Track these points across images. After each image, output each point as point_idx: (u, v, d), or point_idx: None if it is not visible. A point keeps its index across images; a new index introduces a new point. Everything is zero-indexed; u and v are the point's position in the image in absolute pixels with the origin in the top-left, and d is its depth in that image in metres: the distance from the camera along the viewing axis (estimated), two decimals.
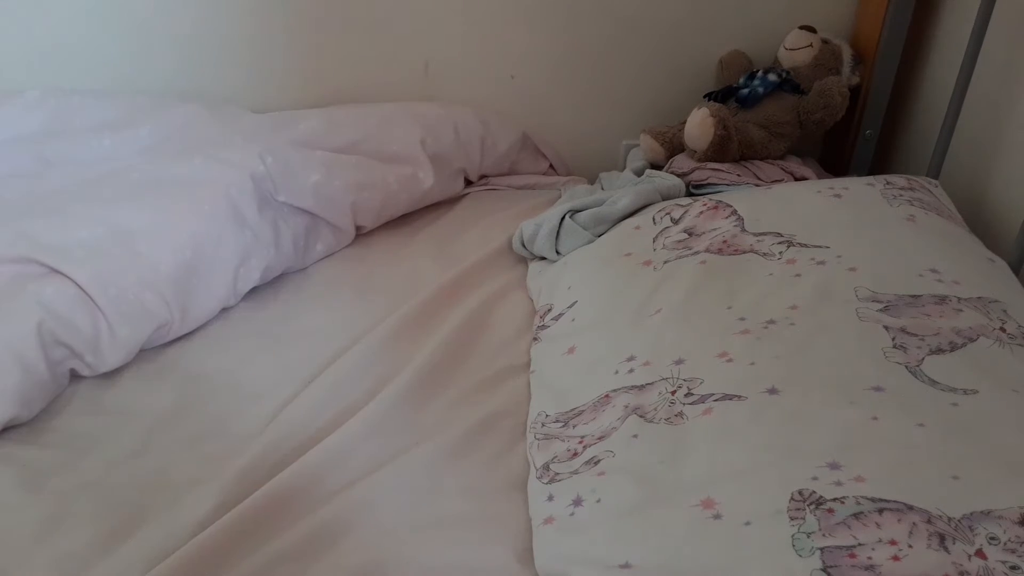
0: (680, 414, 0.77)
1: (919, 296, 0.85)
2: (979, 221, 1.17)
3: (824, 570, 0.58)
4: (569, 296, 1.05)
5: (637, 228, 1.11)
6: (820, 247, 0.95)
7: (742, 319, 0.87)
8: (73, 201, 1.11)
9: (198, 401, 0.97)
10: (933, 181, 1.13)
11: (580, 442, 0.82)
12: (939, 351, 0.77)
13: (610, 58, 1.43)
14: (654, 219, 1.11)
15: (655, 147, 1.33)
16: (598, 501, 0.73)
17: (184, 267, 1.06)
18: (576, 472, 0.78)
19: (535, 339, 1.03)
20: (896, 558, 0.58)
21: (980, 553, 0.58)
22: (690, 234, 1.05)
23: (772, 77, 1.30)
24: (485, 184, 1.44)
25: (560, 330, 1.00)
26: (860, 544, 0.60)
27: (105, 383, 1.01)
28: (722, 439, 0.73)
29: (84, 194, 1.13)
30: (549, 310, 1.06)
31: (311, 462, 0.84)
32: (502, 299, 1.14)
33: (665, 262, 1.01)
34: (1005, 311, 0.83)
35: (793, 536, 0.61)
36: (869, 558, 0.58)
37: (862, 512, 0.61)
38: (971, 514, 0.60)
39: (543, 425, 0.87)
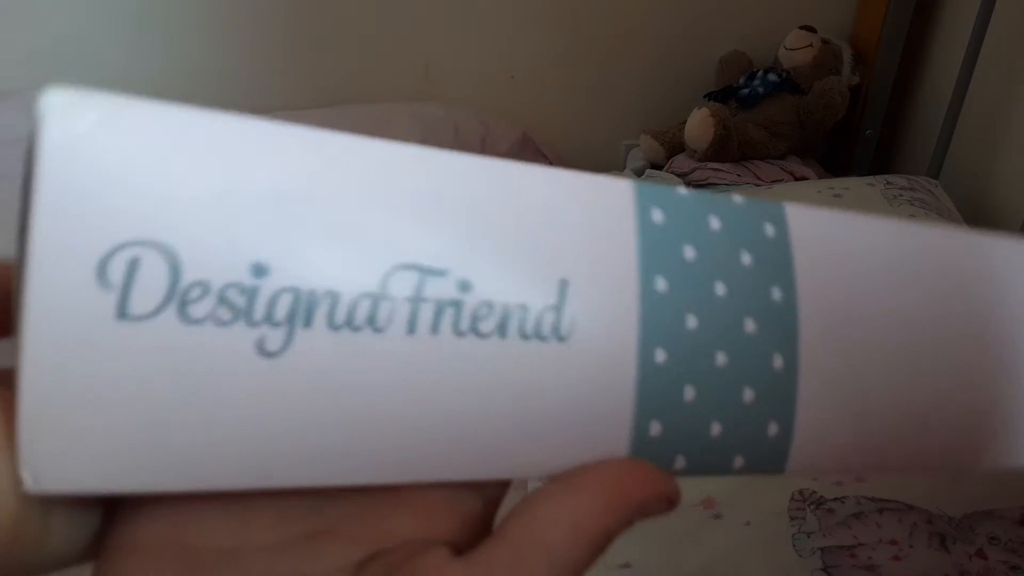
0: None
1: None
2: (979, 221, 1.17)
3: (824, 570, 0.58)
4: None
5: None
6: None
7: None
8: None
9: None
10: (933, 181, 1.13)
11: None
12: None
13: (610, 58, 1.43)
14: None
15: (655, 147, 1.33)
16: None
17: None
18: None
19: None
20: (897, 558, 0.58)
21: (980, 553, 0.58)
22: None
23: (772, 77, 1.30)
24: None
25: None
26: (861, 544, 0.60)
27: None
28: None
29: None
30: None
31: None
32: None
33: None
34: None
35: (794, 536, 0.61)
36: (870, 558, 0.58)
37: (863, 512, 0.61)
38: (971, 514, 0.60)
39: None
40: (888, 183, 1.07)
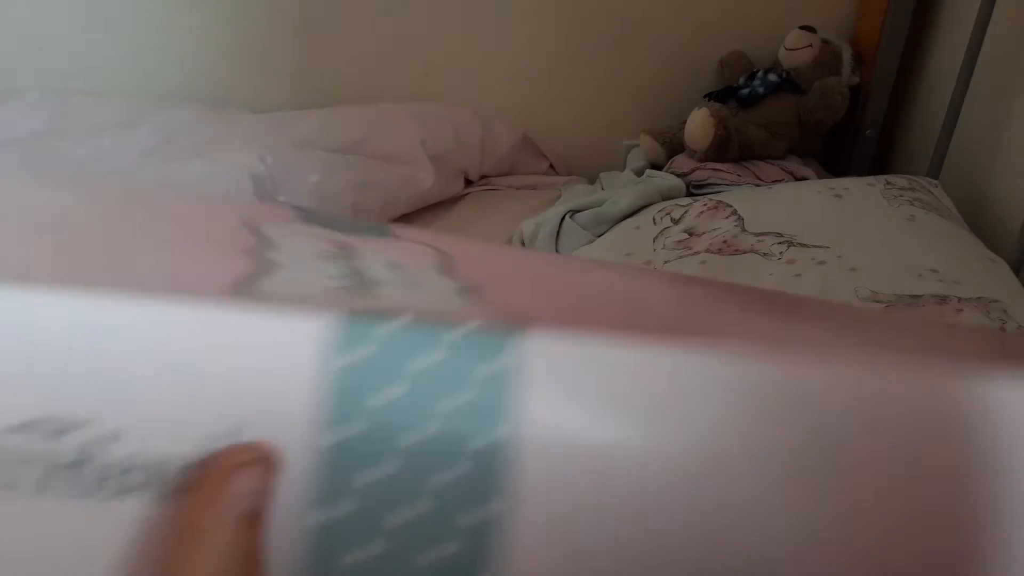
0: None
1: (919, 296, 0.85)
2: (979, 221, 1.17)
3: None
4: None
5: (637, 228, 1.11)
6: (820, 247, 0.95)
7: None
8: None
9: None
10: (933, 181, 1.13)
11: None
12: None
13: (610, 58, 1.43)
14: (654, 219, 1.10)
15: (655, 147, 1.33)
16: None
17: None
18: None
19: None
20: None
21: None
22: (690, 234, 1.05)
23: (772, 77, 1.30)
24: (485, 184, 1.44)
25: None
26: None
27: None
28: None
29: None
30: None
31: None
32: None
33: (665, 262, 1.01)
34: (1005, 311, 0.83)
35: None
36: None
37: None
38: None
39: None
40: (888, 183, 1.07)
